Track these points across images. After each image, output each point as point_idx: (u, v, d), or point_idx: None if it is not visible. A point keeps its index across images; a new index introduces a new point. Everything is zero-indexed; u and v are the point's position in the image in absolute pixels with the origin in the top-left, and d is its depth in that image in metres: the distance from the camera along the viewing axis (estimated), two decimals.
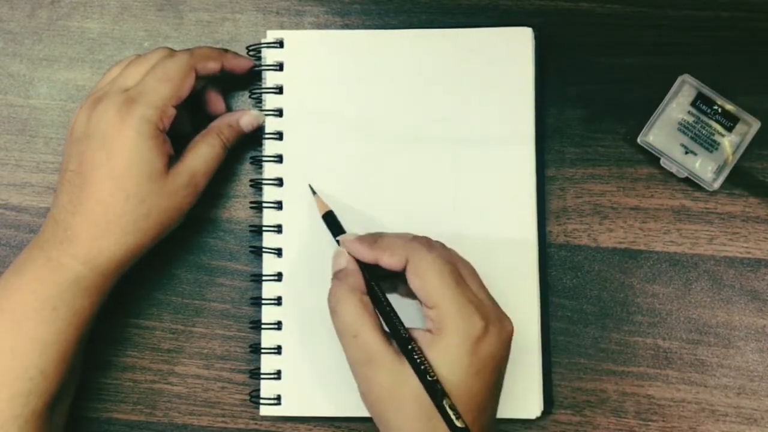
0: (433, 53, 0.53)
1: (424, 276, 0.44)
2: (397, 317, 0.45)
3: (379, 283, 0.46)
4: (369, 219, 0.52)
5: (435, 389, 0.42)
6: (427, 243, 0.45)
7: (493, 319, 0.44)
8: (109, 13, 0.56)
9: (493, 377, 0.44)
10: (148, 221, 0.47)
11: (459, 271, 0.45)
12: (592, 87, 0.54)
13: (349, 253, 0.47)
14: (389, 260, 0.45)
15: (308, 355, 0.52)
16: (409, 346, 0.43)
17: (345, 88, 0.53)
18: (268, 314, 0.52)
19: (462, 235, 0.51)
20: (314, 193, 0.51)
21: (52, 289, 0.46)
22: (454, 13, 0.55)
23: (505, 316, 0.45)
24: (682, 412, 0.52)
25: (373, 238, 0.46)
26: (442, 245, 0.47)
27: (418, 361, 0.42)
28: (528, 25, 0.52)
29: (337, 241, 0.49)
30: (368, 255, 0.46)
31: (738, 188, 0.53)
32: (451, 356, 0.42)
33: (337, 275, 0.47)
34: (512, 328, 0.45)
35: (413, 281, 0.44)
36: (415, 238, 0.46)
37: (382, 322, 0.45)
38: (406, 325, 0.45)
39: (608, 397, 0.52)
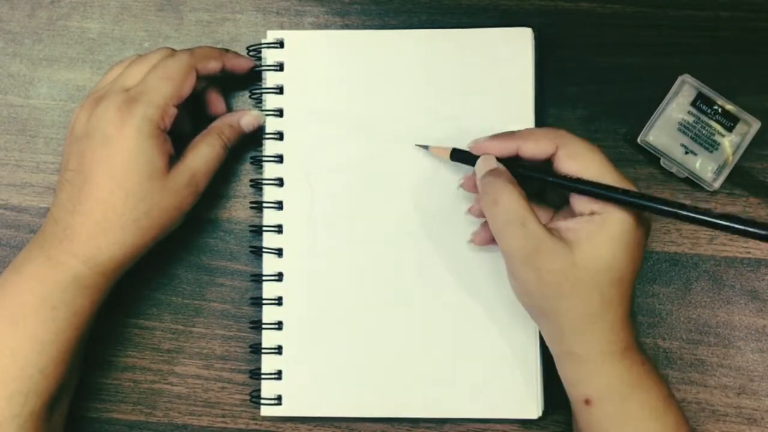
0: (433, 53, 0.53)
1: (584, 159, 0.44)
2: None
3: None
4: (369, 219, 0.52)
5: None
6: (571, 133, 0.45)
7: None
8: (109, 13, 0.56)
9: (642, 254, 0.45)
10: (148, 220, 0.47)
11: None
12: (592, 87, 0.54)
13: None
14: (534, 147, 0.45)
15: (309, 355, 0.52)
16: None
17: (345, 88, 0.53)
18: (268, 314, 0.52)
19: (461, 235, 0.51)
20: (426, 147, 0.51)
21: (51, 288, 0.46)
22: (454, 13, 0.55)
23: None
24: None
25: (509, 133, 0.47)
26: None
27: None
28: (528, 25, 0.52)
29: (472, 162, 0.48)
30: (510, 146, 0.46)
31: (738, 188, 0.53)
32: (623, 236, 0.43)
33: (491, 173, 0.46)
34: None
35: (569, 165, 0.44)
36: (558, 129, 0.46)
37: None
38: None
39: None
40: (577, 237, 0.43)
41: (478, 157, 0.48)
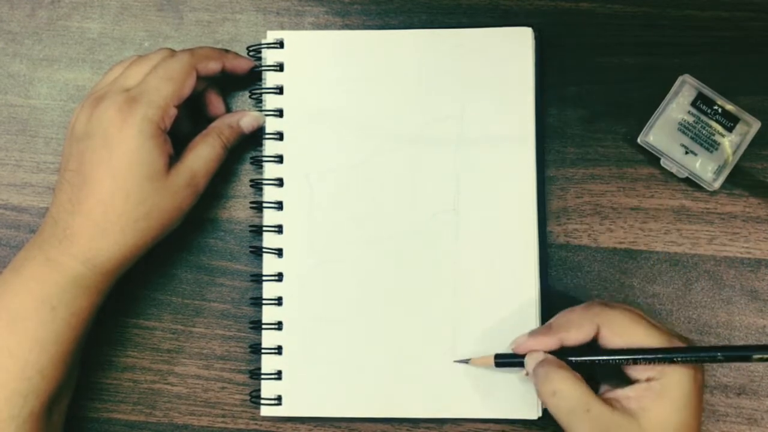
0: (433, 53, 0.53)
1: (628, 332, 0.44)
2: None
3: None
4: (369, 219, 0.52)
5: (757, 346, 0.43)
6: (603, 304, 0.46)
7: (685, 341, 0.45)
8: (109, 13, 0.56)
9: (702, 407, 0.45)
10: (147, 221, 0.47)
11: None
12: (592, 87, 0.54)
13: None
14: (577, 335, 0.45)
15: (309, 356, 0.52)
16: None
17: (345, 88, 0.53)
18: (268, 314, 0.52)
19: (462, 236, 0.51)
20: (466, 361, 0.51)
21: (50, 289, 0.46)
22: (454, 13, 0.55)
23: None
24: None
25: (546, 326, 0.47)
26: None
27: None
28: (528, 25, 0.52)
29: (519, 363, 0.48)
30: (552, 341, 0.46)
31: (738, 188, 0.53)
32: (685, 396, 0.43)
33: (542, 363, 0.46)
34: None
35: (616, 341, 0.44)
36: (590, 305, 0.46)
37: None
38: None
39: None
40: (640, 406, 0.43)
41: (521, 357, 0.47)
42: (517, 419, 0.52)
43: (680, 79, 0.52)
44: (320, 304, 0.52)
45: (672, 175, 0.52)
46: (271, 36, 0.53)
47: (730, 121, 0.51)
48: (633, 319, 0.44)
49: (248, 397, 0.53)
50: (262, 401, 0.52)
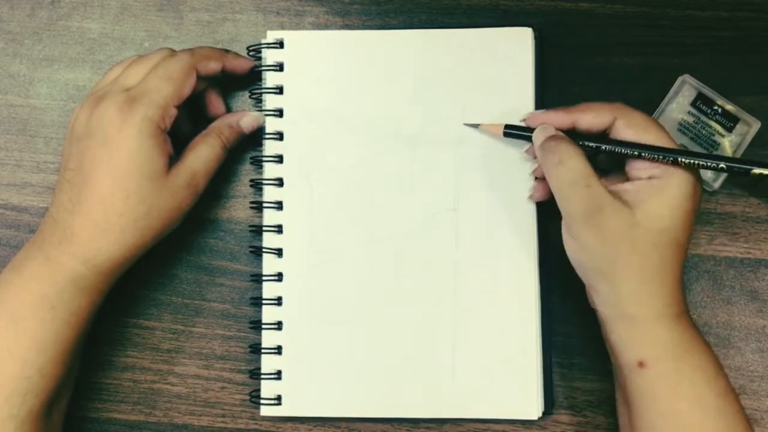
0: (433, 53, 0.53)
1: (641, 128, 0.46)
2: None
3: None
4: (369, 218, 0.52)
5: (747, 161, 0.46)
6: (625, 104, 0.47)
7: None
8: (109, 13, 0.56)
9: (693, 222, 0.46)
10: (147, 221, 0.47)
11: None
12: (592, 87, 0.54)
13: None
14: (593, 119, 0.47)
15: (308, 355, 0.52)
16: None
17: (345, 88, 0.53)
18: (268, 314, 0.52)
19: (462, 235, 0.51)
20: (477, 126, 0.52)
21: (50, 289, 0.46)
22: (454, 13, 0.55)
23: None
24: None
25: (565, 108, 0.48)
26: None
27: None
28: (528, 25, 0.52)
29: (527, 137, 0.49)
30: (567, 118, 0.48)
31: (738, 188, 0.53)
32: (682, 197, 0.45)
33: (553, 137, 0.47)
34: None
35: (628, 134, 0.46)
36: (614, 102, 0.47)
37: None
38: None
39: (608, 397, 0.52)
40: (637, 199, 0.45)
41: (530, 131, 0.49)
42: (517, 419, 0.52)
43: (680, 79, 0.52)
44: (320, 304, 0.52)
45: None
46: (271, 36, 0.53)
47: (730, 121, 0.51)
48: (650, 121, 0.46)
49: (248, 397, 0.53)
50: (262, 401, 0.52)
